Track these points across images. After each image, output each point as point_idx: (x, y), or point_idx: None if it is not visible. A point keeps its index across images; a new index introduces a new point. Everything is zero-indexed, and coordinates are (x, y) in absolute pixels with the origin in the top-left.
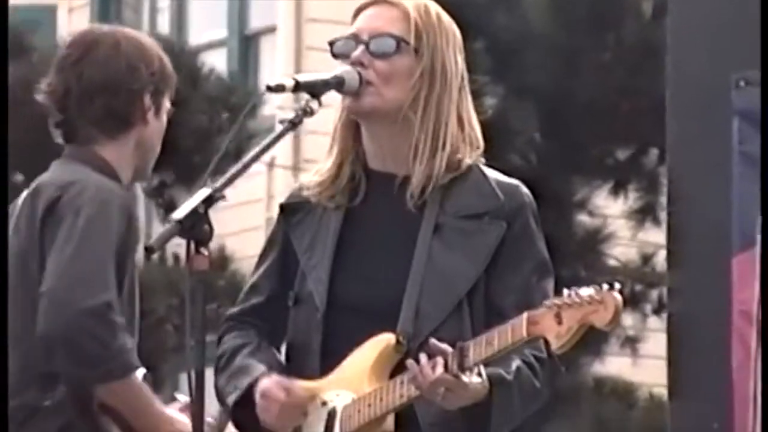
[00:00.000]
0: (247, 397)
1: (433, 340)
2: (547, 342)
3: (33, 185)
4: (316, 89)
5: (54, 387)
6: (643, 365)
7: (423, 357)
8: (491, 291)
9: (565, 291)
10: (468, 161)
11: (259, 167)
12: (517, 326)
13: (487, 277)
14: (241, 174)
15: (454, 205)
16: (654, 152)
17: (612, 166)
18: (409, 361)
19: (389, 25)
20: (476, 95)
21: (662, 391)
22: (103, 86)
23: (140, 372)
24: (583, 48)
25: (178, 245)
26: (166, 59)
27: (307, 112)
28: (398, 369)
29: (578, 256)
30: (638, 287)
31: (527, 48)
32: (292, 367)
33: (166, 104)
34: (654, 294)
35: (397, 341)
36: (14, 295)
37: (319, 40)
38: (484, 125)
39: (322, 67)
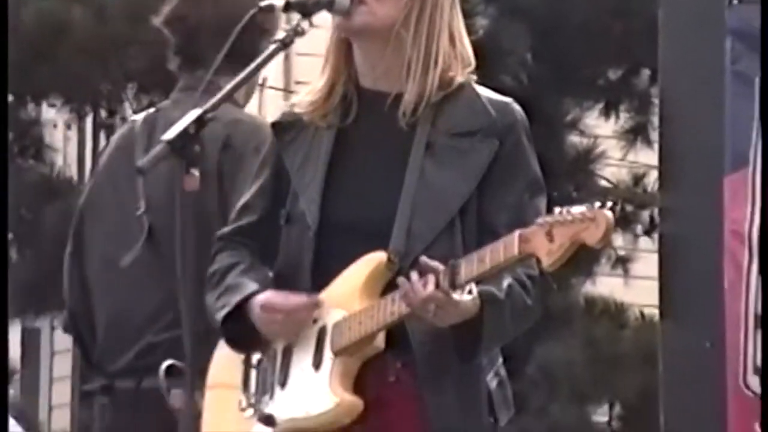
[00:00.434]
0: (238, 313)
1: (424, 258)
2: (538, 260)
3: (153, 115)
4: (306, 8)
5: None
6: (634, 286)
7: (414, 274)
8: (483, 209)
9: (557, 209)
10: (460, 79)
11: None
12: (509, 244)
13: (480, 195)
14: (231, 94)
15: (446, 123)
16: (646, 72)
17: (603, 87)
18: (400, 279)
19: None
20: (468, 15)
21: (653, 312)
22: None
23: None
24: None
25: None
26: None
27: (298, 32)
28: (390, 287)
29: (569, 177)
30: (629, 208)
31: None
32: (284, 286)
33: None
34: (645, 214)
35: (389, 259)
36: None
37: None
38: (475, 45)
39: None
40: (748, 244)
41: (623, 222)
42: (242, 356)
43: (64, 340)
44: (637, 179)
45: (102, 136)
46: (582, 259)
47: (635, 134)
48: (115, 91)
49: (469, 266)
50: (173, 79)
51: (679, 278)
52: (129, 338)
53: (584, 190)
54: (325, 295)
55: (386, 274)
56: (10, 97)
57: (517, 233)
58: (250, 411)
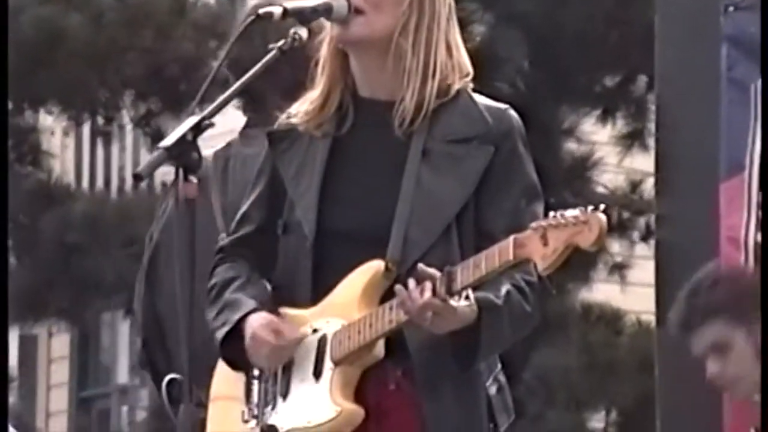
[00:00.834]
0: (236, 332)
1: (421, 265)
2: (534, 264)
3: (224, 150)
4: (304, 16)
5: None
6: (630, 292)
7: (411, 282)
8: (481, 216)
9: (551, 213)
10: (457, 87)
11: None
12: (504, 249)
13: (477, 202)
14: (229, 102)
15: (442, 130)
16: (642, 79)
17: (600, 94)
18: (398, 287)
19: None
20: (465, 23)
21: (650, 318)
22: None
23: None
24: None
25: (166, 174)
26: None
27: (296, 40)
28: (388, 295)
29: (566, 184)
30: (626, 214)
31: None
32: (283, 295)
33: None
34: (642, 221)
35: (386, 268)
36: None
37: None
38: (472, 53)
39: None
40: (744, 250)
41: (620, 228)
42: None
43: (61, 347)
44: (634, 186)
45: (99, 143)
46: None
47: (632, 140)
48: (112, 98)
49: (465, 272)
50: (171, 85)
51: (676, 285)
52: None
53: (581, 196)
54: (324, 304)
55: (384, 282)
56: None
57: (512, 238)
58: (253, 422)
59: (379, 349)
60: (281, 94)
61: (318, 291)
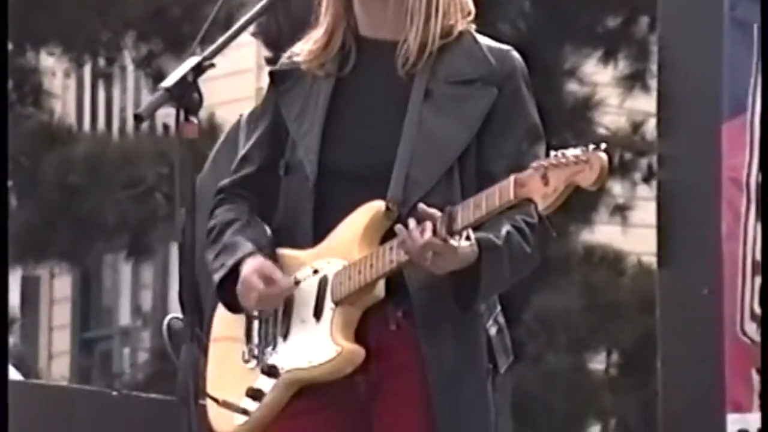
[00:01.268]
0: (234, 275)
1: (421, 205)
2: (535, 204)
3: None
4: None
5: None
6: (632, 233)
7: (412, 222)
8: (483, 157)
9: (552, 152)
10: (459, 27)
11: (248, 37)
12: (505, 189)
13: (479, 143)
14: (230, 42)
15: (445, 71)
16: (644, 20)
17: (602, 34)
18: (398, 227)
19: None
20: None
21: (651, 259)
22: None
23: None
24: None
25: (167, 115)
26: None
27: None
28: (389, 235)
29: (568, 125)
30: (627, 155)
31: None
32: (285, 236)
33: None
34: (643, 162)
35: (387, 208)
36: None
37: None
38: None
39: None
40: (746, 190)
41: (621, 170)
42: None
43: (63, 288)
44: (636, 127)
45: (101, 84)
46: (580, 207)
47: (633, 81)
48: (114, 39)
49: (465, 212)
50: (173, 26)
51: (677, 226)
52: None
53: (583, 138)
54: (325, 244)
55: (385, 222)
56: (10, 46)
57: (512, 177)
58: (254, 362)
59: (380, 289)
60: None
61: (319, 232)
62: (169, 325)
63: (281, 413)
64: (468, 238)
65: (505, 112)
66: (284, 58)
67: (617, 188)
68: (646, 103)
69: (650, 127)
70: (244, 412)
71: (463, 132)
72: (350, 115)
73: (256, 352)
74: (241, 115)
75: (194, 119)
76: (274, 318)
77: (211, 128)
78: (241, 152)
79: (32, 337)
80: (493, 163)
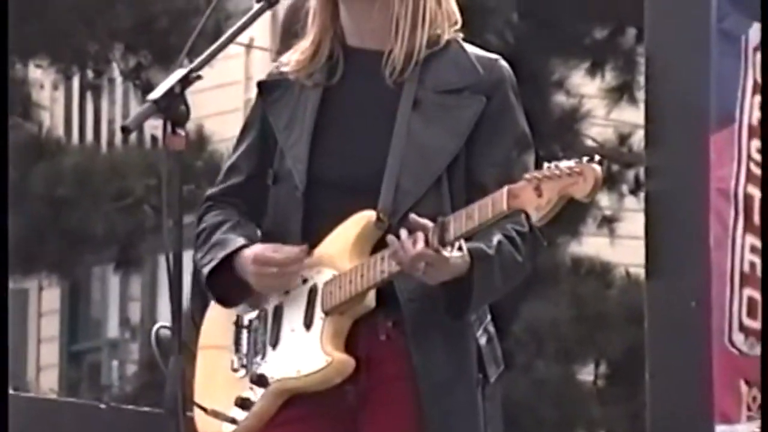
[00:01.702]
0: (225, 268)
1: (413, 215)
2: (527, 215)
3: None
4: None
5: None
6: (620, 245)
7: (403, 232)
8: (472, 166)
9: (545, 164)
10: (446, 37)
11: (236, 49)
12: (498, 199)
13: (468, 152)
14: (217, 54)
15: (433, 80)
16: (631, 32)
17: (589, 46)
18: (390, 237)
19: None
20: None
21: (639, 271)
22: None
23: None
24: None
25: (156, 127)
26: None
27: None
28: (379, 245)
29: (555, 136)
30: (615, 167)
31: None
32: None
33: None
34: (631, 174)
35: (378, 218)
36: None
37: None
38: (461, 4)
39: None
40: (734, 202)
41: (609, 181)
42: (233, 317)
43: (51, 301)
44: (623, 138)
45: (89, 96)
46: (568, 218)
47: (620, 93)
48: (102, 51)
49: (458, 223)
50: (161, 38)
51: (665, 237)
52: None
53: (570, 150)
54: (315, 254)
55: (376, 232)
56: None
57: (505, 189)
58: (243, 371)
59: (370, 299)
60: None
61: (308, 241)
62: (157, 333)
63: (270, 422)
64: (460, 248)
65: (494, 120)
66: (272, 69)
67: (605, 200)
68: (633, 114)
69: (637, 139)
70: (233, 421)
71: (452, 141)
72: (339, 124)
73: (245, 361)
74: None
75: (181, 131)
76: (264, 326)
77: (200, 140)
78: (229, 162)
79: (20, 350)
80: (482, 172)
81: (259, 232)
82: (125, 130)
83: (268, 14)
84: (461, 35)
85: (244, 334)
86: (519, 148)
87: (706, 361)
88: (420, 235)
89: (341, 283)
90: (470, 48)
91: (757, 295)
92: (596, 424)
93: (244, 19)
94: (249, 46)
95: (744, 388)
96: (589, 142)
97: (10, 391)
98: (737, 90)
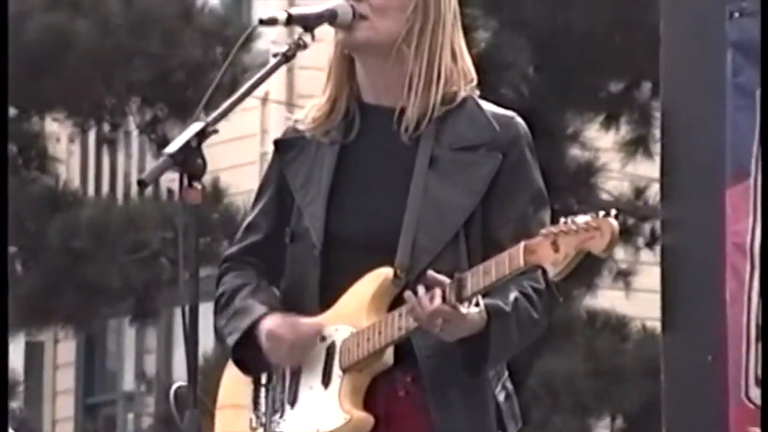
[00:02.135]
0: (247, 337)
1: (431, 272)
2: (544, 271)
3: None
4: (309, 22)
5: None
6: (635, 298)
7: (421, 289)
8: (488, 222)
9: (562, 219)
10: (462, 94)
11: (252, 102)
12: (514, 255)
13: (484, 209)
14: (234, 108)
15: (449, 137)
16: (647, 85)
17: (605, 99)
18: (407, 293)
19: None
20: (469, 28)
21: (655, 324)
22: None
23: None
24: None
25: (172, 180)
26: None
27: (300, 46)
28: (396, 302)
29: (571, 190)
30: (631, 221)
31: None
32: (291, 304)
33: None
34: (647, 227)
35: (395, 274)
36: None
37: None
38: (476, 59)
39: (315, 2)
40: (750, 256)
41: (625, 235)
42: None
43: (67, 353)
44: (639, 192)
45: (105, 149)
46: (583, 271)
47: (636, 146)
48: (118, 104)
49: (475, 279)
50: (177, 91)
51: (681, 291)
52: None
53: (586, 203)
54: (332, 311)
55: (393, 289)
56: (14, 111)
57: (522, 244)
58: (261, 430)
59: (388, 356)
60: None
61: (326, 298)
62: (176, 393)
63: None
64: (477, 304)
65: (510, 177)
66: (288, 126)
67: (620, 253)
68: (648, 168)
69: (653, 192)
70: None
71: (468, 198)
72: (355, 182)
73: (263, 419)
74: None
75: (198, 185)
76: (282, 385)
77: (216, 192)
78: (247, 220)
79: (36, 403)
80: (498, 228)
81: (278, 293)
82: (142, 184)
83: (284, 68)
84: (477, 92)
85: (263, 392)
86: (535, 204)
87: (723, 416)
88: (437, 292)
89: (359, 341)
90: (486, 105)
91: None
92: None
93: (261, 73)
94: (265, 99)
95: None
96: (605, 196)
97: None
98: (752, 144)
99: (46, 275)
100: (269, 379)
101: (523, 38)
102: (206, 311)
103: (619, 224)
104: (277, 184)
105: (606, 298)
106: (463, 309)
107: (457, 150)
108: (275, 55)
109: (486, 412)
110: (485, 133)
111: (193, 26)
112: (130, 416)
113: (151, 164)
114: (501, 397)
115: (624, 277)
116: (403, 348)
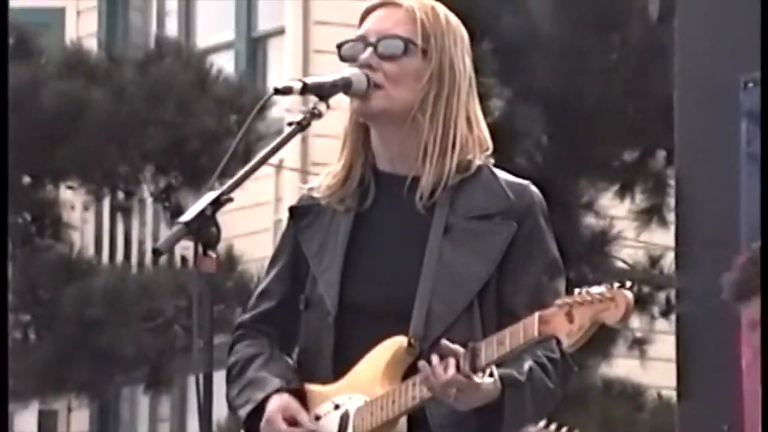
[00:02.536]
0: (261, 409)
1: (444, 341)
2: (558, 341)
3: None
4: (323, 91)
5: None
6: (651, 367)
7: (435, 358)
8: (503, 291)
9: (576, 290)
10: (477, 162)
11: (267, 169)
12: (529, 325)
13: (499, 278)
14: (248, 176)
15: (464, 206)
16: (661, 154)
17: (619, 168)
18: (421, 363)
19: (397, 27)
20: (483, 98)
21: (671, 393)
22: None
23: None
24: (590, 49)
25: (186, 248)
26: None
27: (315, 115)
28: (410, 371)
29: (585, 259)
30: (646, 289)
31: (534, 50)
32: (305, 371)
33: None
34: (662, 296)
35: (409, 343)
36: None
37: (327, 42)
38: (491, 127)
39: (330, 70)
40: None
41: (640, 303)
42: None
43: (80, 422)
44: (654, 261)
45: (119, 217)
46: (598, 340)
47: (650, 215)
48: (132, 172)
49: (489, 349)
50: (191, 159)
51: (697, 360)
52: None
53: (600, 271)
54: (346, 380)
55: (407, 358)
56: (28, 178)
57: (536, 315)
58: None
59: (402, 425)
60: None
61: (340, 366)
62: None
63: None
64: (491, 374)
65: (525, 246)
66: (303, 194)
67: (636, 322)
68: (663, 236)
69: (668, 261)
70: None
71: (483, 267)
72: (370, 250)
73: None
74: None
75: (212, 253)
76: None
77: (229, 260)
78: (261, 287)
79: None
80: (512, 297)
81: (291, 362)
82: (157, 253)
83: (298, 136)
84: (492, 161)
85: None
86: (550, 273)
87: None
88: (451, 361)
89: (373, 409)
90: (501, 173)
91: None
92: None
93: (276, 141)
94: (279, 167)
95: None
96: (620, 264)
97: None
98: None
99: (60, 343)
100: None
101: (538, 107)
102: (220, 379)
103: (634, 293)
104: (292, 251)
105: (621, 366)
106: (477, 378)
107: (471, 219)
108: (290, 124)
109: None
110: (500, 202)
111: (208, 95)
112: None
113: (165, 232)
114: None
115: (639, 345)
116: (416, 417)
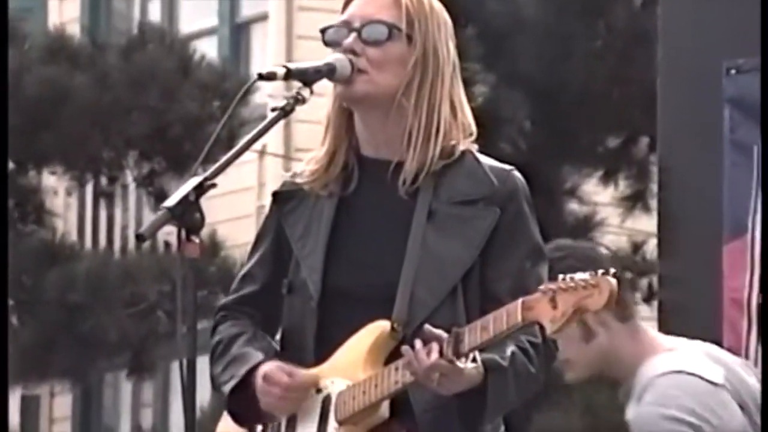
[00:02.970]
0: (244, 384)
1: (428, 326)
2: (542, 327)
3: None
4: (307, 77)
5: None
6: None
7: (418, 343)
8: (486, 277)
9: (560, 276)
10: (461, 147)
11: (250, 155)
12: (512, 311)
13: (482, 263)
14: (232, 162)
15: (447, 191)
16: (644, 140)
17: (602, 155)
18: (404, 347)
19: (381, 12)
20: (467, 83)
21: None
22: None
23: None
24: (574, 35)
25: (169, 233)
26: None
27: (299, 100)
28: (393, 356)
29: None
30: (628, 275)
31: (518, 35)
32: (287, 355)
33: None
34: (644, 282)
35: (392, 328)
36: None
37: (311, 28)
38: (474, 113)
39: (314, 56)
40: (747, 311)
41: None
42: (246, 428)
43: (63, 407)
44: (637, 247)
45: (102, 203)
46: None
47: (634, 202)
48: (116, 158)
49: (472, 334)
50: (174, 145)
51: None
52: None
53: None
54: (328, 364)
55: (390, 342)
56: (12, 164)
57: (520, 301)
58: None
59: (384, 409)
60: None
61: (323, 351)
62: None
63: None
64: (474, 359)
65: (508, 232)
66: (287, 179)
67: None
68: (646, 223)
69: (651, 248)
70: None
71: (466, 252)
72: (353, 234)
73: None
74: None
75: (196, 238)
76: None
77: (213, 246)
78: (243, 270)
79: None
80: (495, 283)
81: (274, 343)
82: (140, 238)
83: (282, 121)
84: (476, 146)
85: None
86: (533, 259)
87: None
88: (434, 346)
89: (355, 393)
90: (484, 159)
91: None
92: None
93: (260, 127)
94: (262, 153)
95: None
96: (603, 250)
97: None
98: (749, 200)
99: (43, 329)
100: (264, 431)
101: (522, 93)
102: (204, 364)
103: (619, 278)
104: (275, 235)
105: None
106: (460, 363)
107: (455, 204)
108: (273, 110)
109: None
110: (483, 188)
111: (191, 80)
112: None
113: (148, 218)
114: None
115: None
116: (399, 401)
